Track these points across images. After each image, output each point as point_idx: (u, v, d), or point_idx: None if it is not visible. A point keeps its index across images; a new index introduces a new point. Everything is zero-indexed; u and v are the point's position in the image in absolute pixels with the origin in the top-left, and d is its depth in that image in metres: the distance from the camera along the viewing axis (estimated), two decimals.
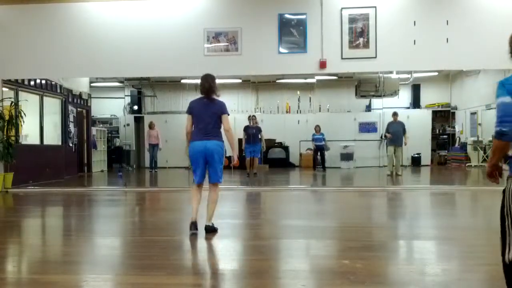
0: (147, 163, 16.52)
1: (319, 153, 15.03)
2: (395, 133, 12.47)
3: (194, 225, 4.97)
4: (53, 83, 12.65)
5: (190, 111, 5.13)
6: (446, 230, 5.47)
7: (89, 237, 5.36)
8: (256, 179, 12.32)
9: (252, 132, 12.73)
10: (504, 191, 2.31)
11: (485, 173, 2.46)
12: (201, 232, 5.01)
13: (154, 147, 15.21)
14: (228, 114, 5.17)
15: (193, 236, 4.90)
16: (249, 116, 13.43)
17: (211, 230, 5.04)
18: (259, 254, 4.24)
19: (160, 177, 14.00)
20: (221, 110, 5.09)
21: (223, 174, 5.25)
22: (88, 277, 3.63)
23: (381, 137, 15.57)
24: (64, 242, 5.28)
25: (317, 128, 14.83)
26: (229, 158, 5.36)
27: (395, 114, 12.89)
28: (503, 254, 2.32)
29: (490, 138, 13.60)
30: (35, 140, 11.92)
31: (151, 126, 15.24)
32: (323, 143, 14.78)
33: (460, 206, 8.08)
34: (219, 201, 5.22)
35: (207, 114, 5.03)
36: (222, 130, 5.13)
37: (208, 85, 5.10)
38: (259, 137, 12.88)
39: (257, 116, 17.28)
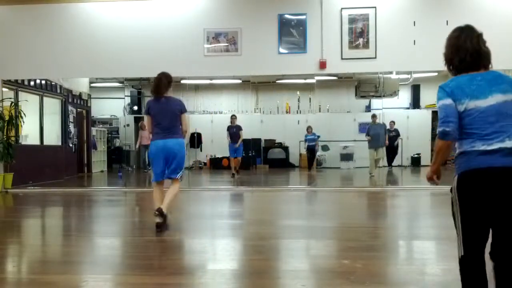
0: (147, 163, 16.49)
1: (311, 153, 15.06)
2: (375, 136, 12.54)
3: (160, 226, 4.99)
4: (53, 83, 12.65)
5: (148, 111, 5.19)
6: (446, 230, 5.46)
7: (89, 237, 5.36)
8: (238, 179, 12.20)
9: (233, 131, 12.76)
10: (451, 189, 2.43)
11: (426, 178, 2.59)
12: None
13: (146, 148, 15.19)
14: (186, 111, 5.25)
15: (158, 219, 4.98)
16: (231, 116, 13.42)
17: (163, 215, 4.98)
18: (259, 254, 4.24)
19: None
20: (180, 109, 5.15)
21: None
22: (88, 277, 3.63)
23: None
24: (64, 242, 5.28)
25: (309, 129, 14.87)
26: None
27: (374, 116, 13.02)
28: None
29: None
30: (35, 141, 11.91)
31: (142, 127, 15.19)
32: (314, 143, 14.82)
33: None
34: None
35: (165, 113, 5.09)
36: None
37: (158, 82, 5.15)
38: (239, 136, 12.89)
39: (257, 116, 17.36)
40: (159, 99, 5.15)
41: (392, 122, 14.77)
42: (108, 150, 17.12)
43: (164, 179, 5.29)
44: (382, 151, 12.93)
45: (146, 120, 5.25)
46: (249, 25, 9.72)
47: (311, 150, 14.92)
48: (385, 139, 12.75)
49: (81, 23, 9.95)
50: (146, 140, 15.14)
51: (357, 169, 15.80)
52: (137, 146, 15.47)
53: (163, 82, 5.14)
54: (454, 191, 2.41)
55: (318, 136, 15.04)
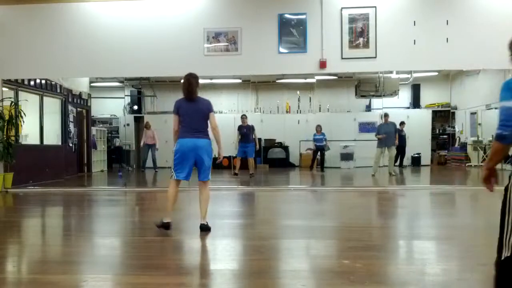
0: (147, 163, 16.48)
1: (319, 153, 15.04)
2: (387, 134, 12.60)
3: (167, 226, 5.06)
4: (53, 83, 12.65)
5: (177, 111, 5.19)
6: (446, 230, 5.47)
7: (89, 237, 5.36)
8: (252, 179, 12.26)
9: (244, 131, 12.76)
10: (506, 188, 2.34)
11: (481, 177, 2.49)
12: (200, 232, 5.02)
13: (150, 147, 15.22)
14: (215, 112, 5.30)
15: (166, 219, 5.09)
16: (241, 116, 13.45)
17: (206, 229, 5.07)
18: (259, 254, 4.24)
19: (160, 177, 13.99)
20: (208, 108, 5.20)
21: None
22: (88, 277, 3.63)
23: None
24: (64, 242, 5.28)
25: (318, 128, 14.84)
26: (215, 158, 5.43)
27: (386, 115, 13.11)
28: (499, 251, 2.34)
29: (490, 138, 13.66)
30: (35, 140, 11.92)
31: (147, 126, 15.24)
32: (323, 143, 14.80)
33: (460, 206, 8.07)
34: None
35: (194, 113, 5.13)
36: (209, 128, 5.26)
37: (188, 85, 5.15)
38: (252, 136, 12.89)
39: (257, 116, 17.37)
40: (189, 100, 5.18)
41: (403, 123, 14.98)
42: (108, 150, 17.14)
43: (186, 180, 5.27)
44: (393, 150, 12.96)
45: (174, 119, 5.21)
46: (249, 24, 9.71)
47: (320, 150, 14.91)
48: (395, 138, 12.79)
49: (81, 23, 9.95)
50: (151, 139, 15.16)
51: (357, 169, 15.81)
52: (141, 145, 15.45)
53: (193, 84, 5.15)
54: (509, 191, 2.33)
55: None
